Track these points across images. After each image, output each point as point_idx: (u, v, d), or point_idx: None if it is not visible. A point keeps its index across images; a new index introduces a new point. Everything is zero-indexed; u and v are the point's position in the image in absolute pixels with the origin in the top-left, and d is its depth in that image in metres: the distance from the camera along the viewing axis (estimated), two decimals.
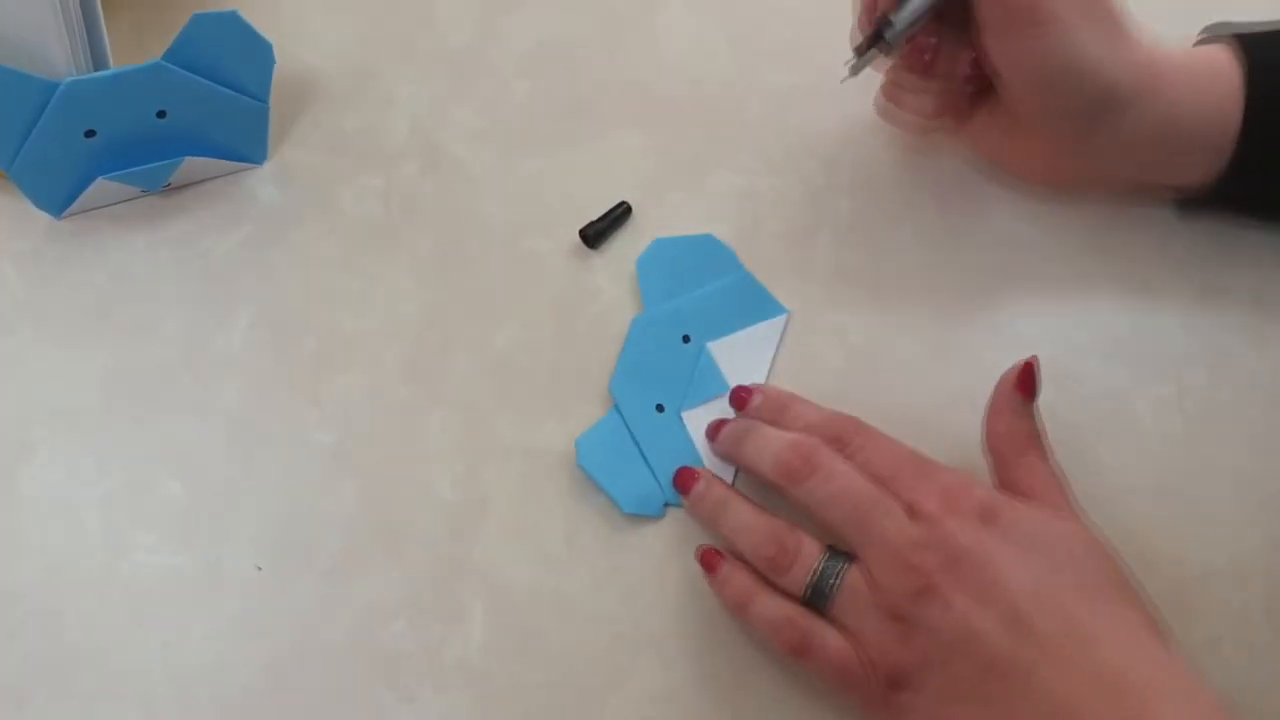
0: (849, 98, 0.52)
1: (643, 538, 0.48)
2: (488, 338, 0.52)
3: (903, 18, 0.46)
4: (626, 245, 0.54)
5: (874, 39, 0.47)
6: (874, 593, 0.41)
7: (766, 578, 0.44)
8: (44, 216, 0.54)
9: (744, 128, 0.56)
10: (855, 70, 0.49)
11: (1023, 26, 0.45)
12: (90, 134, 0.50)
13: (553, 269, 0.53)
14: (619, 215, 0.54)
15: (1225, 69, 0.46)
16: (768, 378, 0.50)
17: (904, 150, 0.55)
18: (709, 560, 0.45)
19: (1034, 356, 0.45)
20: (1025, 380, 0.45)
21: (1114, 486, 0.48)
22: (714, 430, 0.48)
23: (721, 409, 0.49)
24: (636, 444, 0.49)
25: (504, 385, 0.51)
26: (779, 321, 0.51)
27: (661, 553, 0.47)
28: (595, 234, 0.53)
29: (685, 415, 0.49)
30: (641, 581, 0.47)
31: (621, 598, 0.46)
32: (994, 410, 0.45)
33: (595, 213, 0.54)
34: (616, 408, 0.49)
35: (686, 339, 0.51)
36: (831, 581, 0.42)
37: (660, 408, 0.49)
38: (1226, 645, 0.45)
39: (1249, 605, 0.46)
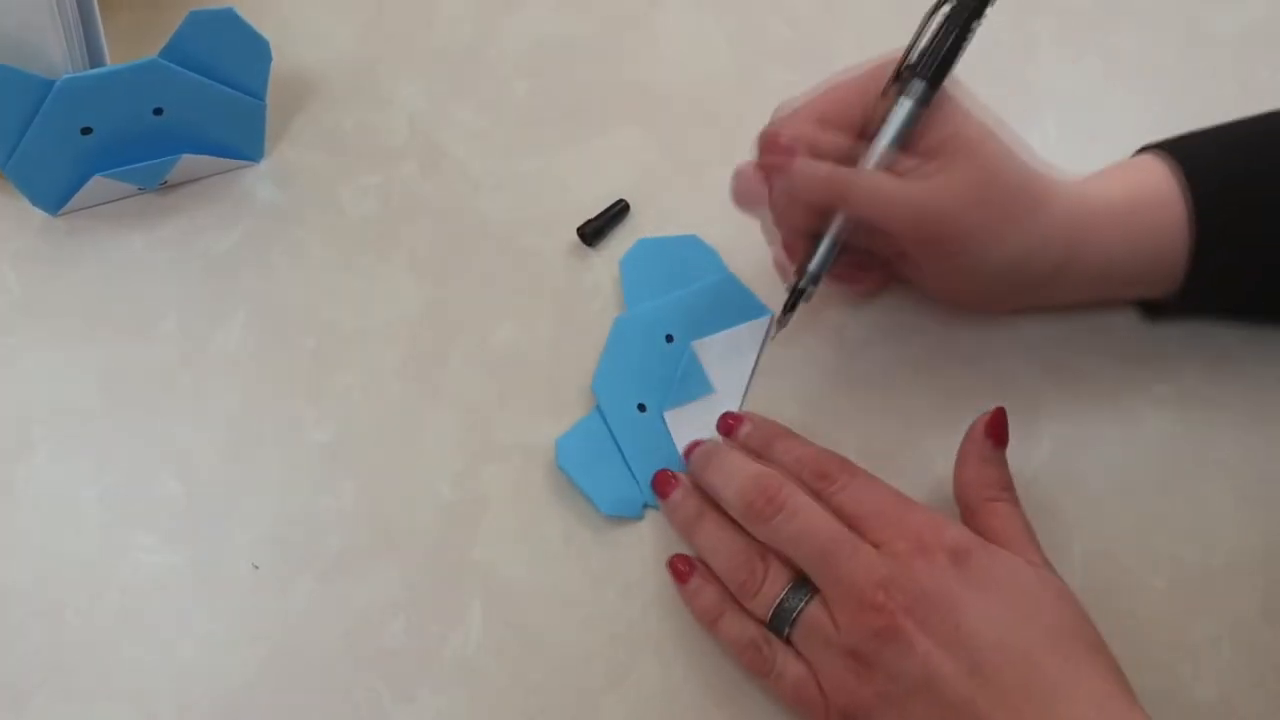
0: None
1: (640, 536, 0.47)
2: (486, 336, 0.51)
3: (816, 265, 0.46)
4: (625, 243, 0.54)
5: (796, 293, 0.47)
6: (834, 630, 0.41)
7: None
8: (40, 214, 0.54)
9: (743, 126, 0.56)
10: (783, 324, 0.48)
11: (938, 253, 0.45)
12: (87, 131, 0.50)
13: (551, 267, 0.53)
14: (617, 213, 0.54)
15: (1164, 183, 0.46)
16: (751, 378, 0.50)
17: None
18: (679, 570, 0.46)
19: (1002, 406, 0.44)
20: (995, 427, 0.44)
21: (1112, 485, 0.48)
22: (689, 450, 0.48)
23: (704, 408, 0.49)
24: (617, 444, 0.48)
25: (502, 384, 0.50)
26: (762, 322, 0.51)
27: (659, 551, 0.47)
28: (593, 232, 0.53)
29: (668, 415, 0.49)
30: (639, 580, 0.47)
31: (619, 596, 0.46)
32: (963, 457, 0.44)
33: (594, 211, 0.54)
34: (598, 408, 0.49)
35: (670, 339, 0.50)
36: (792, 614, 0.42)
37: (642, 407, 0.49)
38: (1225, 644, 0.45)
39: (1247, 604, 0.46)
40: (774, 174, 0.45)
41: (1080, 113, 0.58)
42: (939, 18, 0.43)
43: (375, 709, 0.44)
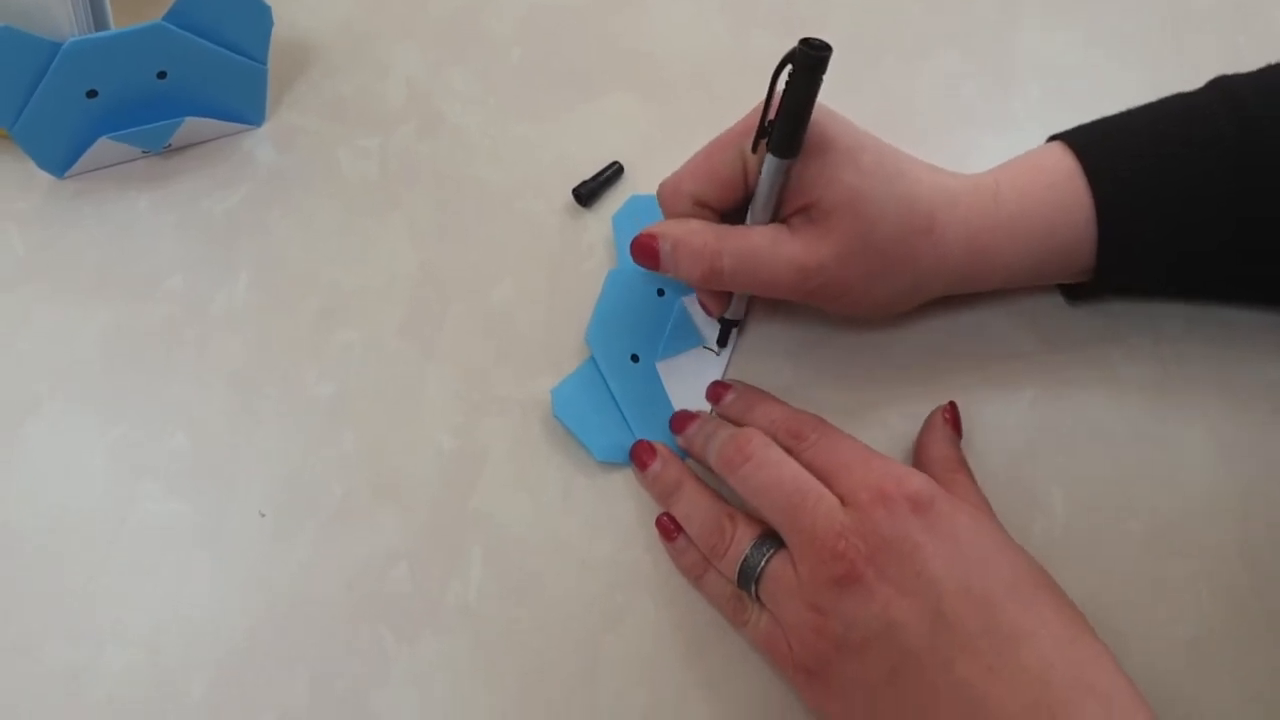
0: (836, 67, 0.53)
1: (635, 485, 0.49)
2: (483, 294, 0.53)
3: (732, 314, 0.50)
4: (618, 204, 0.55)
5: (725, 330, 0.51)
6: (797, 581, 0.42)
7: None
8: (46, 177, 0.55)
9: (735, 91, 0.57)
10: (723, 344, 0.51)
11: (820, 300, 0.46)
12: (92, 94, 0.51)
13: (547, 227, 0.54)
14: (611, 175, 0.55)
15: (1068, 181, 0.46)
16: (740, 330, 0.52)
17: (893, 116, 0.56)
18: (666, 528, 0.47)
19: (954, 401, 0.48)
20: (951, 417, 0.48)
21: (1092, 434, 0.49)
22: (680, 424, 0.49)
23: (694, 359, 0.51)
24: (611, 394, 0.50)
25: (500, 339, 0.52)
26: None
27: (654, 499, 0.48)
28: (588, 193, 0.54)
29: (660, 365, 0.50)
30: (635, 526, 0.48)
31: (616, 542, 0.48)
32: (923, 438, 0.47)
33: (588, 173, 0.55)
34: (592, 358, 0.50)
35: (661, 292, 0.52)
36: (755, 570, 0.43)
37: (635, 358, 0.50)
38: (1202, 584, 0.46)
39: (1223, 545, 0.47)
40: (649, 266, 0.46)
41: (1064, 82, 0.59)
42: (784, 79, 0.42)
43: (379, 651, 0.45)
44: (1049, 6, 0.61)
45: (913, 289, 0.47)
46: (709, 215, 0.46)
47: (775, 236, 0.45)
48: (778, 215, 0.45)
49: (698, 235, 0.45)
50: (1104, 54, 0.60)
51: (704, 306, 0.50)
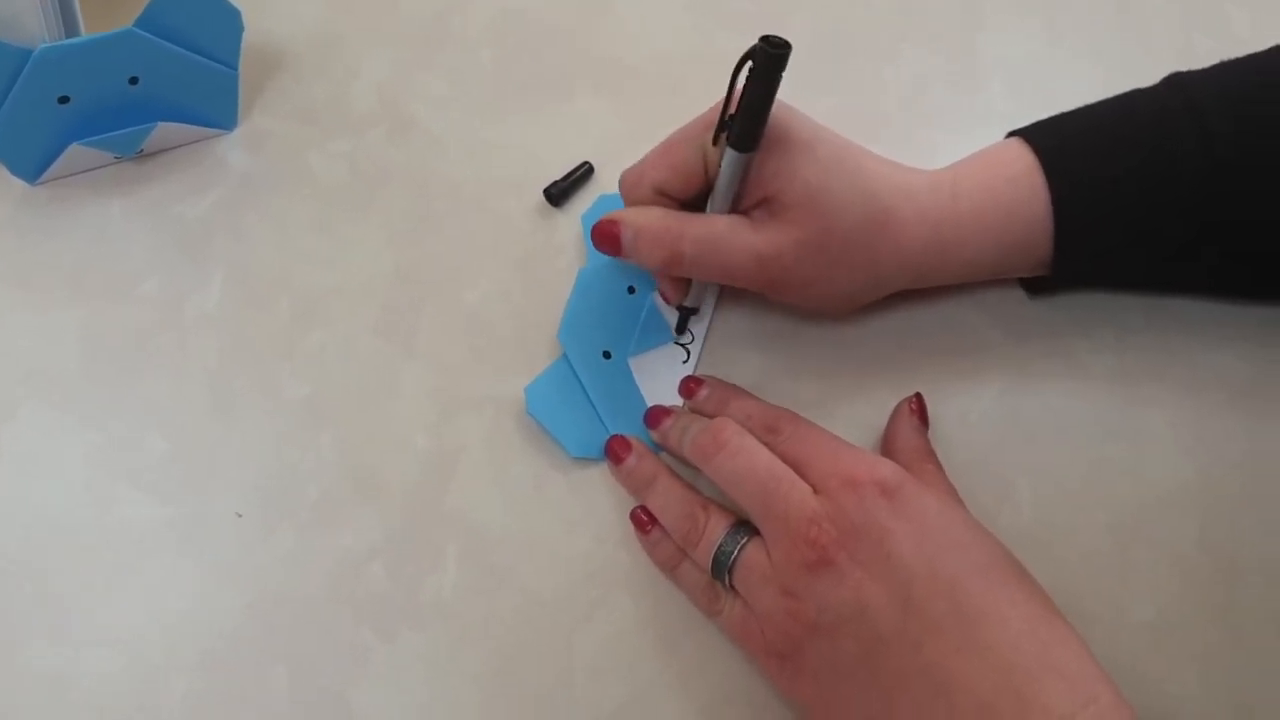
0: (801, 66, 0.54)
1: (609, 481, 0.49)
2: (457, 293, 0.53)
3: (691, 302, 0.50)
4: (589, 203, 0.55)
5: (683, 319, 0.51)
6: (770, 567, 0.42)
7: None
8: (19, 183, 0.55)
9: (702, 92, 0.58)
10: (681, 332, 0.52)
11: (780, 292, 0.47)
12: (64, 100, 0.51)
13: (518, 227, 0.55)
14: (581, 175, 0.56)
15: (1026, 176, 0.47)
16: (709, 325, 0.52)
17: (859, 114, 0.57)
18: (640, 521, 0.48)
19: (919, 392, 0.49)
20: (918, 408, 0.49)
21: (1056, 425, 0.50)
22: (655, 418, 0.50)
23: (665, 355, 0.51)
24: (584, 390, 0.50)
25: (474, 338, 0.52)
26: None
27: (627, 494, 0.49)
28: (559, 193, 0.55)
29: (632, 361, 0.51)
30: (609, 522, 0.49)
31: (590, 537, 0.48)
32: (891, 429, 0.48)
33: (559, 173, 0.56)
34: (565, 356, 0.51)
35: (631, 290, 0.52)
36: (729, 558, 0.44)
37: (607, 355, 0.51)
38: (1162, 571, 0.48)
39: (1183, 533, 0.48)
40: (611, 252, 0.47)
41: (1026, 76, 0.60)
42: (744, 75, 0.42)
43: (358, 648, 0.46)
44: (1008, 3, 0.62)
45: (872, 282, 0.48)
46: (669, 204, 0.47)
47: (735, 225, 0.45)
48: (737, 207, 0.46)
49: (660, 221, 0.46)
50: (1066, 49, 0.61)
51: (662, 294, 0.51)
